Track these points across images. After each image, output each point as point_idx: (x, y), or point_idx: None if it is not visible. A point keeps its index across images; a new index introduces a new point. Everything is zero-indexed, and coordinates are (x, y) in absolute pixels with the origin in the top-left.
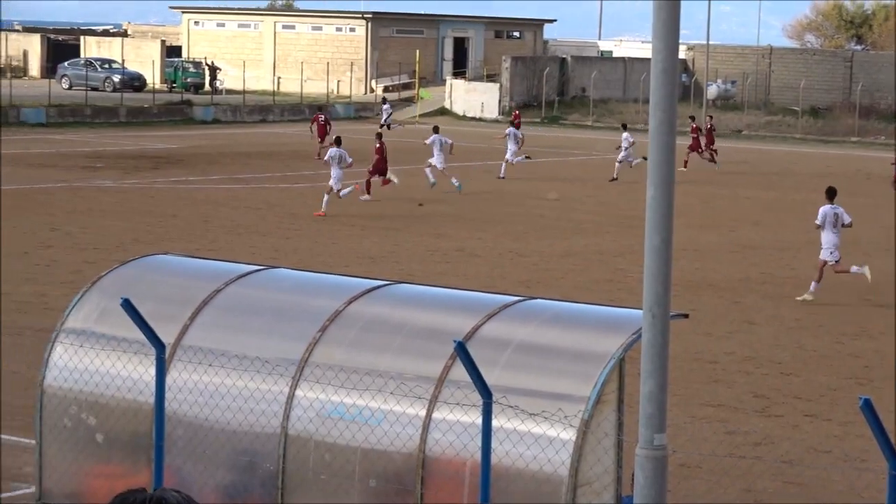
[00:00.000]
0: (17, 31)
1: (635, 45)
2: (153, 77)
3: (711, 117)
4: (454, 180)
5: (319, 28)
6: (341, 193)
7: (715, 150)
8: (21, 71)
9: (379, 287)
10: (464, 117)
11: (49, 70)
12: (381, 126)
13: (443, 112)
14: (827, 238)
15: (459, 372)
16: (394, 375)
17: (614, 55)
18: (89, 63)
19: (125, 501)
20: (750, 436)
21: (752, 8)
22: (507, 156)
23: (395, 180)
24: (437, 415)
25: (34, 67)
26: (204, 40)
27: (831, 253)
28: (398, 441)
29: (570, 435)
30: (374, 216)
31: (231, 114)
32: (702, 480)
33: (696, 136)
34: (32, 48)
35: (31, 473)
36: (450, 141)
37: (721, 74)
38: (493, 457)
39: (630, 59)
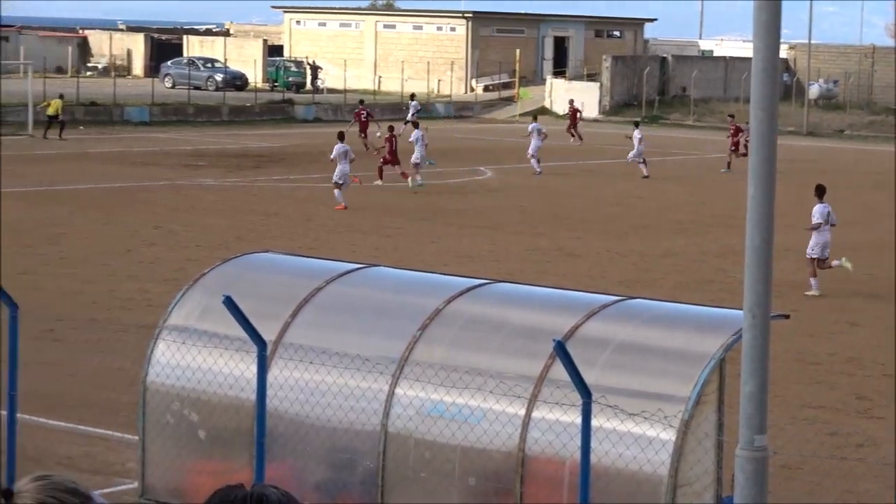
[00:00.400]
0: (122, 30)
1: (736, 44)
2: (255, 76)
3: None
4: (418, 178)
5: (420, 27)
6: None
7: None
8: (125, 70)
9: (479, 286)
10: (563, 117)
11: (152, 69)
12: (406, 122)
13: (542, 111)
14: (822, 236)
15: (559, 371)
16: (493, 374)
17: (715, 54)
18: (192, 62)
19: (225, 498)
20: (852, 437)
21: (854, 7)
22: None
23: (418, 180)
24: (537, 414)
25: (138, 66)
26: (305, 39)
27: (823, 250)
28: (497, 440)
29: (669, 435)
30: (475, 215)
31: (332, 113)
32: (802, 482)
33: (734, 136)
34: (136, 48)
35: (134, 469)
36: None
37: (823, 74)
38: (593, 456)
39: (731, 58)
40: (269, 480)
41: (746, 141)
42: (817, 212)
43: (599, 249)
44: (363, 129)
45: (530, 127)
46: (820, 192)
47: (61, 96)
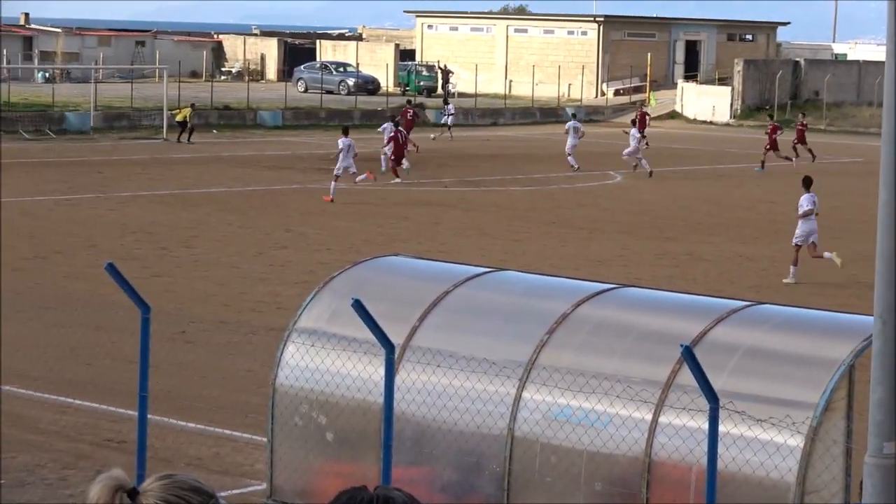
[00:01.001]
0: (256, 35)
1: (870, 47)
2: (387, 80)
3: (804, 114)
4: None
5: (551, 31)
6: (357, 180)
7: (808, 150)
8: (258, 74)
9: (607, 290)
10: (694, 121)
11: (285, 73)
12: (441, 125)
13: (673, 115)
14: (808, 225)
15: (686, 376)
16: (620, 379)
17: (849, 58)
18: (325, 66)
19: (352, 500)
20: None
21: None
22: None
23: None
24: (664, 419)
25: (271, 71)
26: (437, 44)
27: (808, 237)
28: (624, 445)
29: (797, 442)
30: (604, 220)
31: (462, 117)
32: None
33: (774, 136)
34: (270, 52)
35: (262, 470)
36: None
37: None
38: (720, 462)
39: (865, 61)
40: (395, 483)
41: (796, 142)
42: (805, 200)
43: (729, 254)
44: (408, 127)
45: (568, 125)
46: (807, 182)
47: (193, 105)
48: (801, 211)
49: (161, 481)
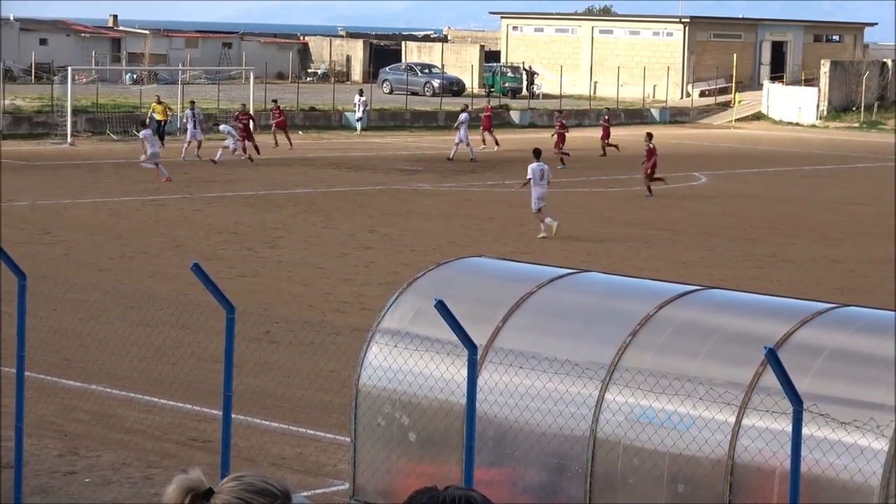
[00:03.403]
0: (341, 36)
1: None
2: (472, 82)
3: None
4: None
5: (637, 32)
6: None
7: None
8: (344, 76)
9: (690, 292)
10: (780, 122)
11: (371, 75)
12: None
13: (758, 117)
14: (536, 191)
15: (770, 378)
16: (703, 381)
17: None
18: (410, 68)
19: (434, 499)
20: None
21: None
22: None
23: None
24: (747, 421)
25: (357, 72)
26: (522, 45)
27: (540, 200)
28: (707, 447)
29: (882, 445)
30: (689, 221)
31: (547, 118)
32: None
33: None
34: (355, 53)
35: (345, 470)
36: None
37: None
38: (803, 465)
39: None
40: (477, 483)
41: None
42: (529, 170)
43: (814, 256)
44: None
45: (460, 116)
46: (537, 153)
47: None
48: (526, 178)
49: (232, 483)
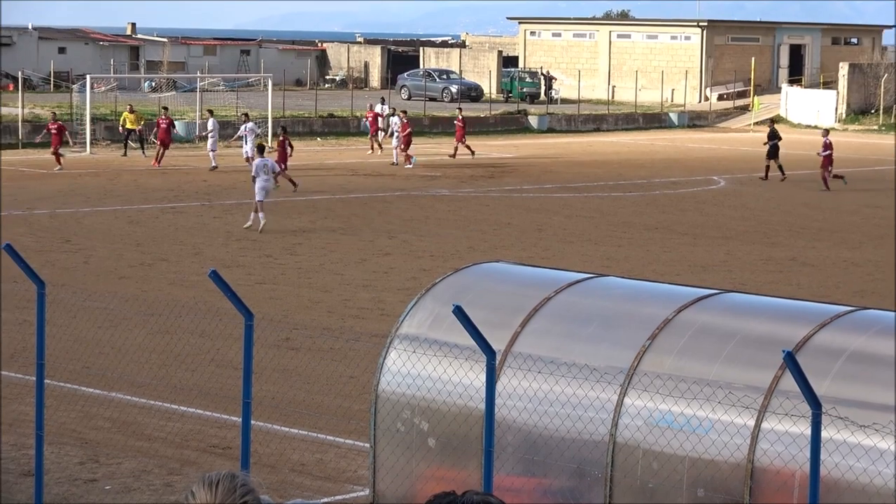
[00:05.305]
0: (359, 42)
1: None
2: (490, 87)
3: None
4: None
5: (654, 37)
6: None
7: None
8: (362, 82)
9: (709, 296)
10: (798, 125)
11: (389, 81)
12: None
13: (777, 120)
14: (259, 183)
15: (789, 382)
16: (722, 384)
17: None
18: (428, 74)
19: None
20: None
21: None
22: None
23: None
24: (766, 425)
25: (375, 78)
26: (540, 50)
27: (264, 193)
28: (726, 451)
29: None
30: (708, 225)
31: (565, 123)
32: None
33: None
34: (373, 59)
35: (365, 476)
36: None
37: None
38: (823, 468)
39: None
40: (496, 488)
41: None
42: (254, 165)
43: (834, 259)
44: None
45: (243, 128)
46: (261, 149)
47: (130, 108)
48: (252, 174)
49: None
